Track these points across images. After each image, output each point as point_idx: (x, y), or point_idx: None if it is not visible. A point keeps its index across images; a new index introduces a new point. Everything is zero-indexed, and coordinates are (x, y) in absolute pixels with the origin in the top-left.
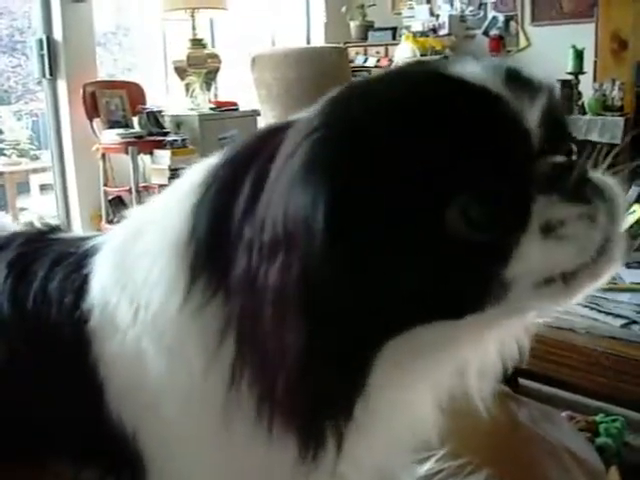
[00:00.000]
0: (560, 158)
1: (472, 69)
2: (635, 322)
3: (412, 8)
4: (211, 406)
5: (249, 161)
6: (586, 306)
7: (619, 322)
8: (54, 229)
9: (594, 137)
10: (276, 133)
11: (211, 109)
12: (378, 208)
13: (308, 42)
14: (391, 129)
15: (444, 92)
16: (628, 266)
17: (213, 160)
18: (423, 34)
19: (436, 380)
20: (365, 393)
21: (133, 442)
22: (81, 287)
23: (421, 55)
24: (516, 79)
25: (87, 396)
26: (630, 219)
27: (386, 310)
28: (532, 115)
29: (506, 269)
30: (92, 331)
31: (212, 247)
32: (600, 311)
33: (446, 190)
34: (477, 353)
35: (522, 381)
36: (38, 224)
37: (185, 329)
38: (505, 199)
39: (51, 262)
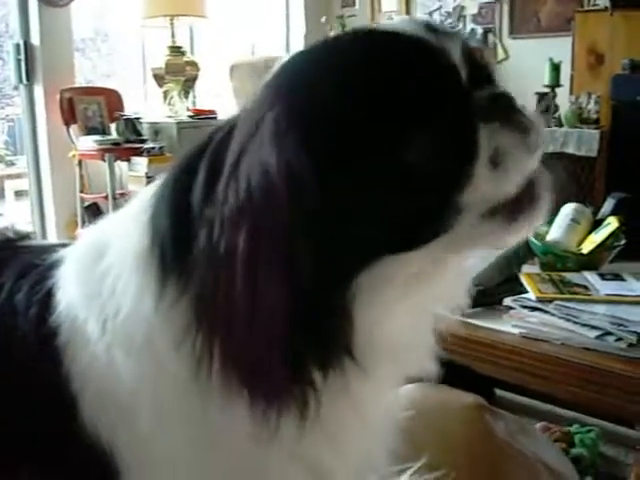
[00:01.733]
0: (491, 89)
1: (401, 25)
2: (610, 333)
3: (391, 19)
4: (184, 413)
5: (197, 159)
6: (561, 317)
7: (594, 333)
8: (23, 237)
9: (570, 149)
10: (216, 132)
11: (189, 117)
12: (351, 156)
13: (288, 52)
14: (346, 93)
15: (385, 48)
16: (603, 278)
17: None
18: None
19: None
20: (354, 324)
21: (109, 455)
22: (47, 301)
23: None
24: (434, 30)
25: (60, 409)
26: (606, 231)
27: (363, 241)
28: (456, 55)
29: (460, 196)
30: (62, 345)
31: (177, 245)
32: (575, 322)
33: (402, 133)
34: (438, 293)
35: (498, 392)
36: (7, 232)
37: (156, 327)
38: (451, 131)
39: (17, 273)
